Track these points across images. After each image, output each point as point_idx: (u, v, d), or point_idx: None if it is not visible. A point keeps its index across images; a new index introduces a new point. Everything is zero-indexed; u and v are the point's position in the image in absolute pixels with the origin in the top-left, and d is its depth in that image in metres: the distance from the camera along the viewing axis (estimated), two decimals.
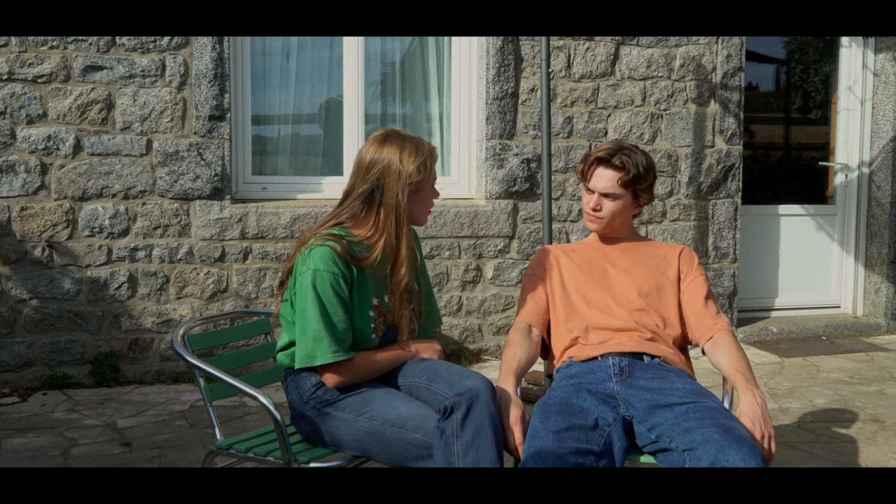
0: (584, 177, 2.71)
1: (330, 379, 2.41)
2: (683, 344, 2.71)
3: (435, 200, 2.60)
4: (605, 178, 2.66)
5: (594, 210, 2.69)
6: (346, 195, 2.51)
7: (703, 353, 2.61)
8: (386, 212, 2.44)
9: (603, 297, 2.66)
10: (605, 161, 2.67)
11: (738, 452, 2.05)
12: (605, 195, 2.67)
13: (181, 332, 2.66)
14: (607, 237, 2.79)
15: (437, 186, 2.58)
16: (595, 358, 2.56)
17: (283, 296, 2.52)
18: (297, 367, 2.42)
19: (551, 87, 4.98)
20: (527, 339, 2.63)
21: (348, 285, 2.41)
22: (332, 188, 5.07)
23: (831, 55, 6.30)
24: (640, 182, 2.68)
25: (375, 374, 2.49)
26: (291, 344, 2.49)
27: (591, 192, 2.70)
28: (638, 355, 2.54)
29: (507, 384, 2.41)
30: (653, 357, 2.55)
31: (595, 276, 2.71)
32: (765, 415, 2.26)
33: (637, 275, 2.69)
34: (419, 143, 2.49)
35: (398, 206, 2.43)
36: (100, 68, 4.54)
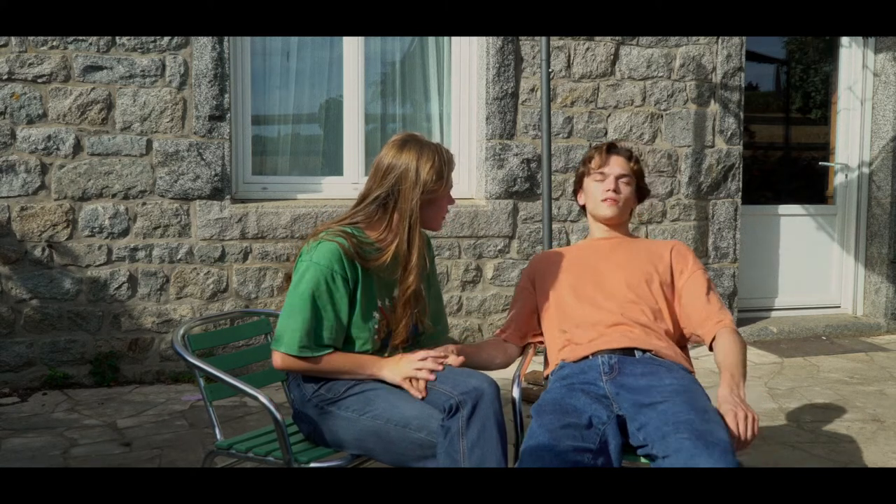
0: (600, 163, 2.79)
1: (278, 360, 2.39)
2: (680, 339, 2.70)
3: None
4: (619, 163, 2.80)
5: (614, 191, 2.76)
6: (363, 198, 2.50)
7: (711, 350, 2.60)
8: (399, 217, 2.44)
9: (593, 292, 2.66)
10: (615, 148, 2.83)
11: (709, 459, 2.04)
12: (621, 177, 2.77)
13: (181, 332, 2.66)
14: (604, 236, 2.82)
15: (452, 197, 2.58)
16: (586, 357, 2.55)
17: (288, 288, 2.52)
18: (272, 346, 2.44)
19: (551, 87, 4.98)
20: (500, 346, 2.76)
21: (350, 285, 2.40)
22: (332, 188, 5.07)
23: (831, 55, 6.30)
24: (642, 174, 2.85)
25: (331, 376, 2.43)
26: None
27: (606, 176, 2.77)
28: (629, 351, 2.53)
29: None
30: (644, 351, 2.53)
31: (587, 272, 2.73)
32: (738, 400, 2.25)
33: (628, 269, 2.70)
34: (438, 150, 2.48)
35: (412, 213, 2.43)
36: (100, 68, 4.54)
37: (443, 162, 2.47)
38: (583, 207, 2.89)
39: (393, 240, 2.44)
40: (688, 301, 2.67)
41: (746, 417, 2.20)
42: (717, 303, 2.65)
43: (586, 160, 2.83)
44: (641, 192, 2.86)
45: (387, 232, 2.45)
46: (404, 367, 2.39)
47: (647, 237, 5.41)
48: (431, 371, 2.37)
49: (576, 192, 2.92)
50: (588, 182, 2.81)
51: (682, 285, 2.70)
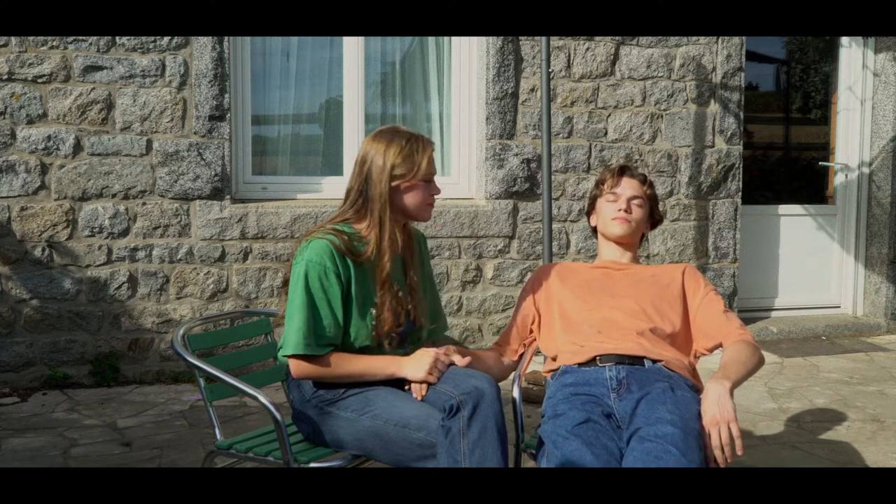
0: (612, 184, 2.76)
1: (294, 367, 2.39)
2: (689, 356, 2.65)
3: (437, 199, 2.59)
4: (632, 185, 2.78)
5: (625, 211, 2.73)
6: (347, 192, 2.53)
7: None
8: (373, 205, 2.45)
9: (600, 307, 2.63)
10: (629, 170, 2.80)
11: None
12: (633, 198, 2.75)
13: (181, 332, 2.66)
14: (614, 258, 2.78)
15: (437, 185, 2.57)
16: (593, 360, 2.50)
17: (286, 292, 2.52)
18: (278, 354, 2.43)
19: (551, 87, 4.98)
20: (497, 360, 2.73)
21: (344, 282, 2.40)
22: (332, 188, 5.07)
23: (831, 55, 6.30)
24: (656, 200, 2.82)
25: (347, 380, 2.42)
26: None
27: (618, 196, 2.75)
28: (639, 360, 2.48)
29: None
30: (654, 361, 2.49)
31: (596, 289, 2.68)
32: (723, 408, 2.16)
33: (638, 288, 2.67)
34: (409, 137, 2.47)
35: (380, 196, 2.43)
36: (100, 68, 4.54)
37: (413, 147, 2.45)
38: (594, 230, 2.86)
39: (373, 229, 2.45)
40: (706, 317, 2.63)
41: (730, 433, 2.13)
42: (737, 320, 2.62)
43: (599, 182, 2.82)
44: (654, 220, 2.84)
45: (369, 220, 2.46)
46: (425, 363, 2.38)
47: (646, 238, 5.40)
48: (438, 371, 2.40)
49: (588, 214, 2.89)
50: (601, 202, 2.79)
51: (698, 305, 2.66)
